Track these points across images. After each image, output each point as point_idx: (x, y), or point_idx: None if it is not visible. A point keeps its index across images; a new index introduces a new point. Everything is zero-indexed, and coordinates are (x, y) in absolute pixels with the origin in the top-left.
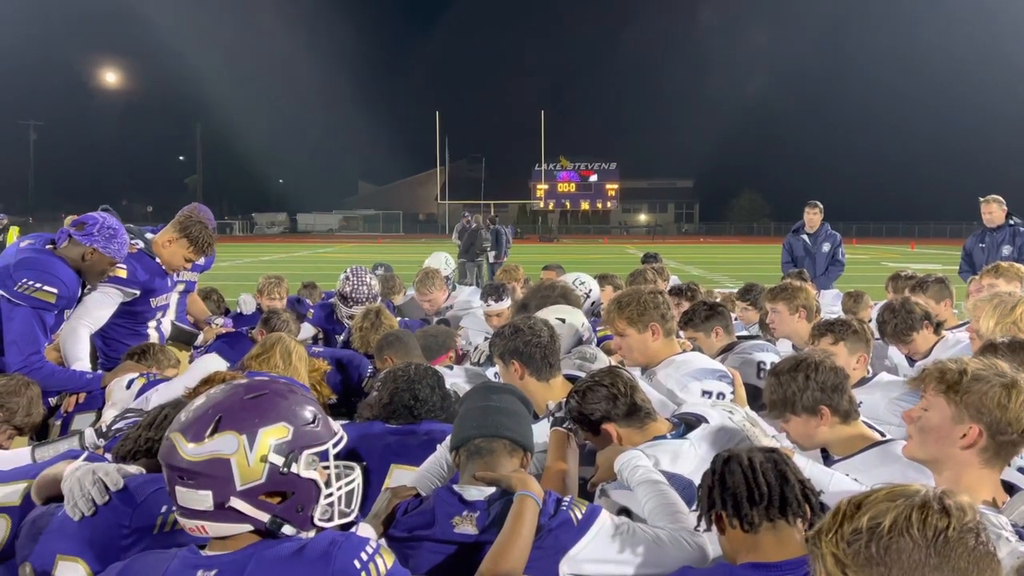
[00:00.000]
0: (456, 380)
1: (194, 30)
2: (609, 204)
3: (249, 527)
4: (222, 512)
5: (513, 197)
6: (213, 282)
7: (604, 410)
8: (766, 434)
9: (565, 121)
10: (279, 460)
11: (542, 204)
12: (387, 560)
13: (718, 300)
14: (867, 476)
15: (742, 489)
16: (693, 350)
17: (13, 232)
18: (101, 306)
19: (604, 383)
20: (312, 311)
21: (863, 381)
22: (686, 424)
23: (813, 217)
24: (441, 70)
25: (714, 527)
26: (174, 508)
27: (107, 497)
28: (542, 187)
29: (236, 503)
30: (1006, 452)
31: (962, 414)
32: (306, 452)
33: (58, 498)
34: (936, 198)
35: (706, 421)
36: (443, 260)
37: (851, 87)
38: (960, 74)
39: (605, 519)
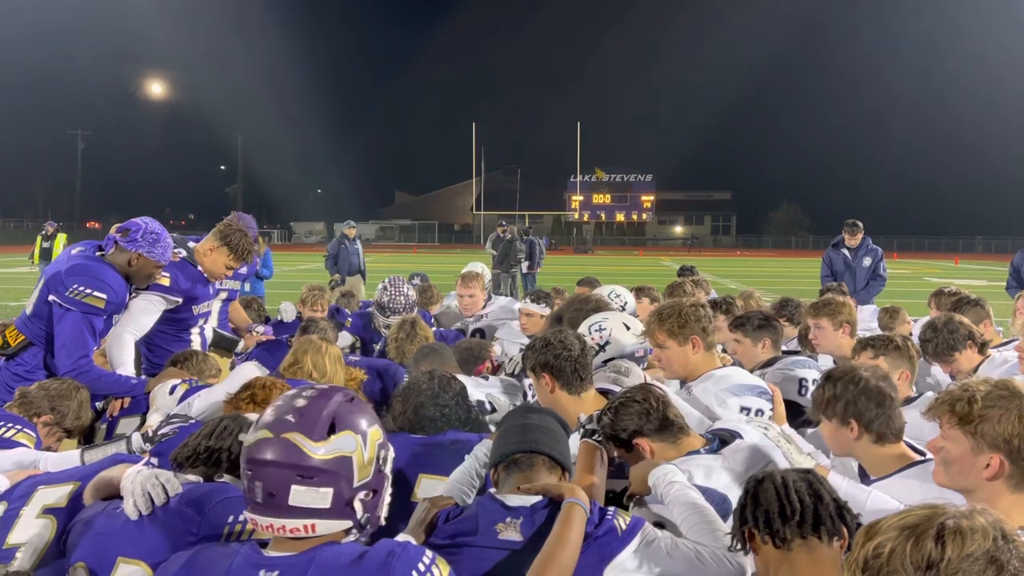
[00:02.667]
0: (491, 391)
1: (236, 43)
2: (644, 216)
3: (349, 523)
4: (337, 509)
5: (548, 208)
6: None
7: (637, 425)
8: (801, 451)
9: (601, 132)
10: (379, 458)
11: (577, 215)
12: (443, 570)
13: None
14: (907, 497)
15: (774, 505)
16: (733, 364)
17: (61, 239)
18: (145, 313)
19: (636, 399)
20: (350, 320)
21: (908, 400)
22: (720, 440)
23: (852, 239)
24: (478, 81)
25: (747, 546)
26: (247, 511)
27: (165, 500)
28: (577, 198)
29: (353, 500)
30: None
31: (980, 445)
32: (390, 452)
33: (111, 499)
34: (982, 212)
35: (740, 437)
36: (481, 267)
37: (893, 99)
38: (1006, 85)
39: (648, 530)
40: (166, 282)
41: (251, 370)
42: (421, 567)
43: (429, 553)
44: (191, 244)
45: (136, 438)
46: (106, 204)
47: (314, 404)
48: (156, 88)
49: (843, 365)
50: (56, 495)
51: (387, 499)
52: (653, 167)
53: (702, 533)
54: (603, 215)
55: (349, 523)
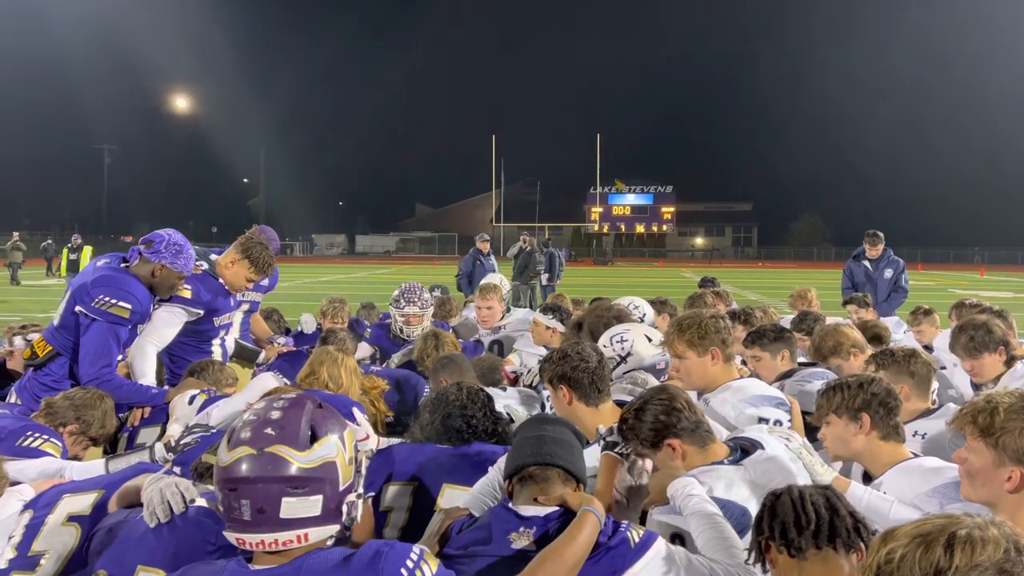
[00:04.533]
0: (509, 401)
1: (258, 58)
2: (665, 227)
3: (337, 527)
4: (326, 515)
5: (568, 220)
6: (274, 302)
7: (666, 423)
8: (823, 463)
9: (621, 144)
10: (356, 459)
11: (597, 227)
12: (432, 565)
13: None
14: (907, 488)
15: (789, 516)
16: (751, 375)
17: (87, 251)
18: (167, 325)
19: (662, 397)
20: (369, 331)
21: (926, 412)
22: (742, 449)
23: (872, 250)
24: (498, 94)
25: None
26: (228, 531)
27: (184, 508)
28: (597, 210)
29: (341, 504)
30: None
31: (1002, 457)
32: (364, 451)
33: (133, 508)
34: (1007, 222)
35: (762, 447)
36: (500, 279)
37: (917, 109)
38: None
39: (661, 545)
40: (188, 294)
41: (269, 380)
42: (410, 563)
43: (417, 550)
44: (213, 257)
45: (159, 448)
46: (131, 217)
47: (290, 414)
48: (180, 103)
49: (855, 375)
50: (81, 503)
51: (361, 500)
52: (673, 179)
53: (718, 549)
54: (623, 227)
55: (337, 527)
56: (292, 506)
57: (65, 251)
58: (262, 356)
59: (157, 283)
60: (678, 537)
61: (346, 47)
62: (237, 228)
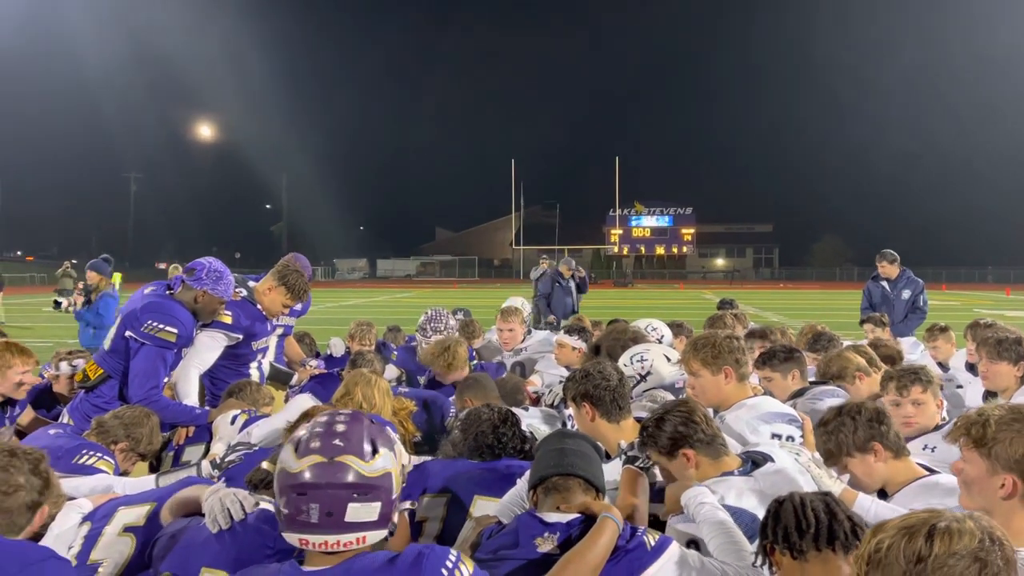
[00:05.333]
0: (532, 421)
1: (280, 86)
2: (685, 249)
3: (386, 532)
4: (382, 521)
5: (587, 242)
6: (298, 325)
7: (683, 433)
8: (831, 475)
9: (640, 165)
10: (403, 471)
11: (616, 249)
12: (468, 566)
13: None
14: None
15: (791, 521)
16: (764, 394)
17: (117, 277)
18: (209, 349)
19: (681, 410)
20: (396, 353)
21: (937, 427)
22: (753, 461)
23: (884, 268)
24: (516, 117)
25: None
26: (292, 532)
27: (243, 515)
28: (616, 232)
29: (392, 511)
30: None
31: (995, 466)
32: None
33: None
34: None
35: (772, 460)
36: (521, 302)
37: (940, 127)
38: None
39: (675, 548)
40: (228, 320)
41: (307, 401)
42: (449, 564)
43: (455, 553)
44: (251, 284)
45: (205, 465)
46: (157, 244)
47: (353, 428)
48: (204, 131)
49: (830, 408)
50: (135, 515)
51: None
52: (693, 200)
53: (728, 553)
54: (643, 248)
55: (386, 532)
56: (356, 511)
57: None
58: (295, 378)
59: (200, 308)
60: (693, 543)
61: (367, 75)
62: (260, 253)
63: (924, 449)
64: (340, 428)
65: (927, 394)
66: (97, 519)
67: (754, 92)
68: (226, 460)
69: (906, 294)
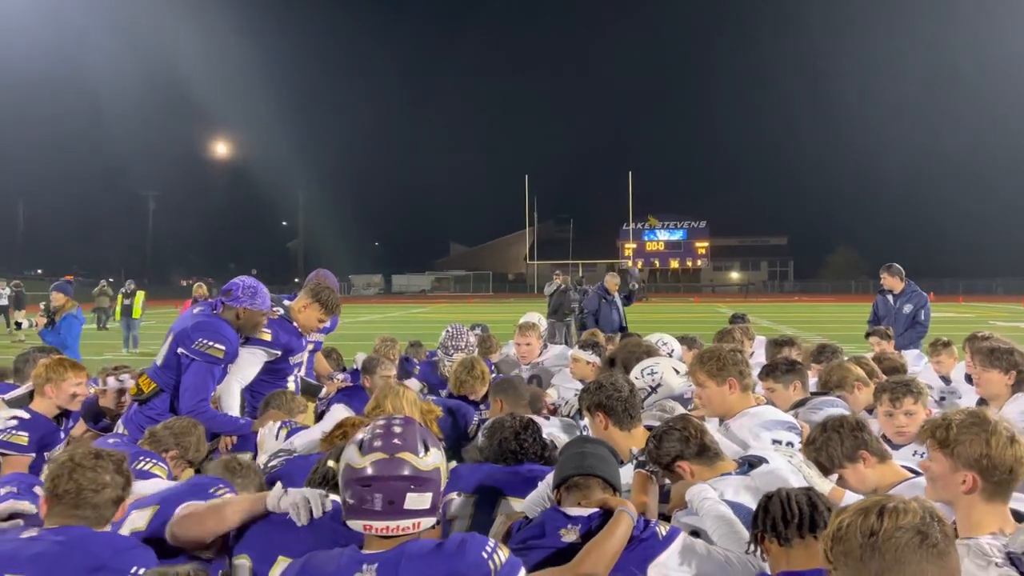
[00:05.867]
0: (552, 430)
1: (295, 105)
2: (699, 262)
3: (435, 519)
4: (432, 509)
5: (601, 256)
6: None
7: (678, 450)
8: (821, 475)
9: (654, 179)
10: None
11: (630, 263)
12: (504, 553)
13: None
14: None
15: (779, 512)
16: (767, 403)
17: (139, 296)
18: (250, 364)
19: (677, 427)
20: (418, 368)
21: None
22: (749, 463)
23: (887, 281)
24: (529, 132)
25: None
26: (357, 519)
27: (322, 512)
28: (630, 246)
29: (440, 501)
30: (1003, 489)
31: (956, 464)
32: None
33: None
34: None
35: (767, 462)
36: (537, 318)
37: (956, 137)
38: None
39: (684, 537)
40: (268, 337)
41: (342, 412)
42: (488, 549)
43: (492, 541)
44: (286, 303)
45: None
46: (175, 261)
47: (408, 430)
48: (221, 149)
49: (815, 426)
50: (139, 520)
51: None
52: (707, 214)
53: (730, 541)
54: (657, 262)
55: (435, 519)
56: (413, 500)
57: (120, 296)
58: (323, 391)
59: (243, 324)
60: (695, 534)
61: (381, 93)
62: (277, 270)
63: (914, 455)
64: (398, 430)
65: (918, 405)
66: (116, 525)
67: (768, 105)
68: (269, 466)
69: (907, 308)
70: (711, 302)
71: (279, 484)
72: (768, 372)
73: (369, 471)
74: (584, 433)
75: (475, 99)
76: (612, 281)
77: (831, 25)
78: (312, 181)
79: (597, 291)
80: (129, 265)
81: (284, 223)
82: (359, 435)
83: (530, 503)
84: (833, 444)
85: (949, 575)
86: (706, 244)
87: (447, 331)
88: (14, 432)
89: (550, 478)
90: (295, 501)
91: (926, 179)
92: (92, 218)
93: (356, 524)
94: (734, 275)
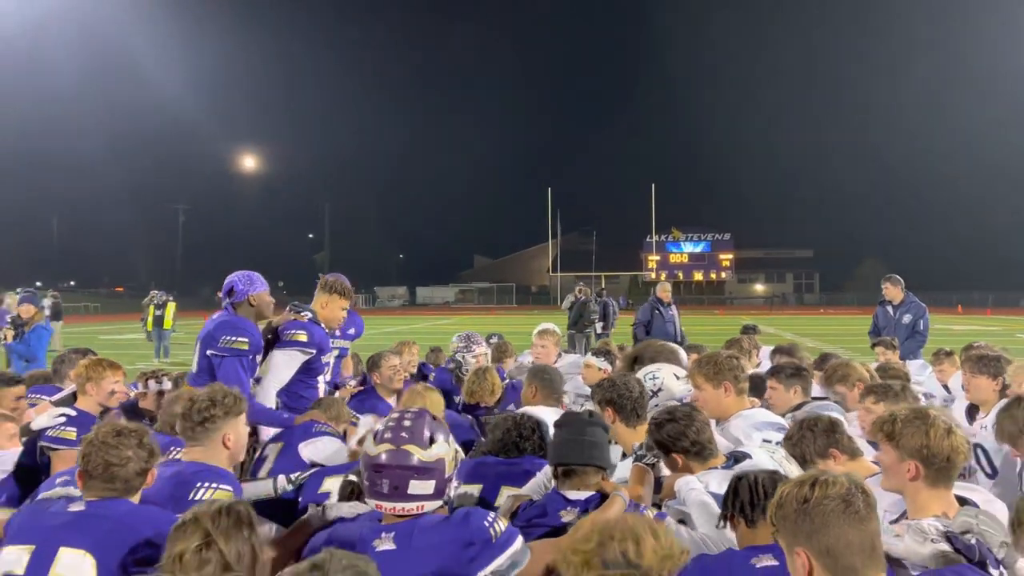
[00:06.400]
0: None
1: (321, 118)
2: (723, 275)
3: (442, 503)
4: (436, 494)
5: (624, 269)
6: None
7: (678, 445)
8: (800, 469)
9: (678, 191)
10: (456, 456)
11: (654, 275)
12: (503, 523)
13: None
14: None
15: (746, 494)
16: (761, 406)
17: (171, 308)
18: (287, 367)
19: (681, 418)
20: (434, 374)
21: None
22: (735, 459)
23: (888, 290)
24: (553, 146)
25: (730, 525)
26: (372, 499)
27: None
28: (654, 258)
29: (446, 487)
30: (943, 475)
31: (902, 454)
32: (460, 455)
33: None
34: None
35: (750, 457)
36: (553, 327)
37: (982, 150)
38: None
39: (669, 521)
40: (304, 338)
41: (370, 421)
42: (489, 519)
43: (492, 513)
44: (310, 307)
45: (281, 480)
46: (204, 273)
47: (416, 423)
48: (248, 163)
49: (793, 424)
50: None
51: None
52: (731, 226)
53: (709, 527)
54: (681, 275)
55: (441, 502)
56: (416, 486)
57: (151, 307)
58: (337, 394)
59: (259, 310)
60: (682, 521)
61: (407, 106)
62: (303, 281)
63: None
64: (407, 423)
65: (899, 406)
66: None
67: (794, 117)
68: (299, 477)
69: (907, 318)
70: (735, 314)
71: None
72: (773, 372)
73: (379, 459)
74: None
75: (500, 113)
76: (664, 290)
77: (860, 35)
78: (338, 194)
79: (651, 302)
80: (159, 277)
81: (310, 235)
82: (378, 425)
83: (532, 486)
84: (807, 441)
85: (868, 537)
86: (730, 256)
87: (460, 337)
88: (63, 428)
89: (548, 470)
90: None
91: (955, 192)
92: (123, 231)
93: (371, 502)
94: (759, 287)
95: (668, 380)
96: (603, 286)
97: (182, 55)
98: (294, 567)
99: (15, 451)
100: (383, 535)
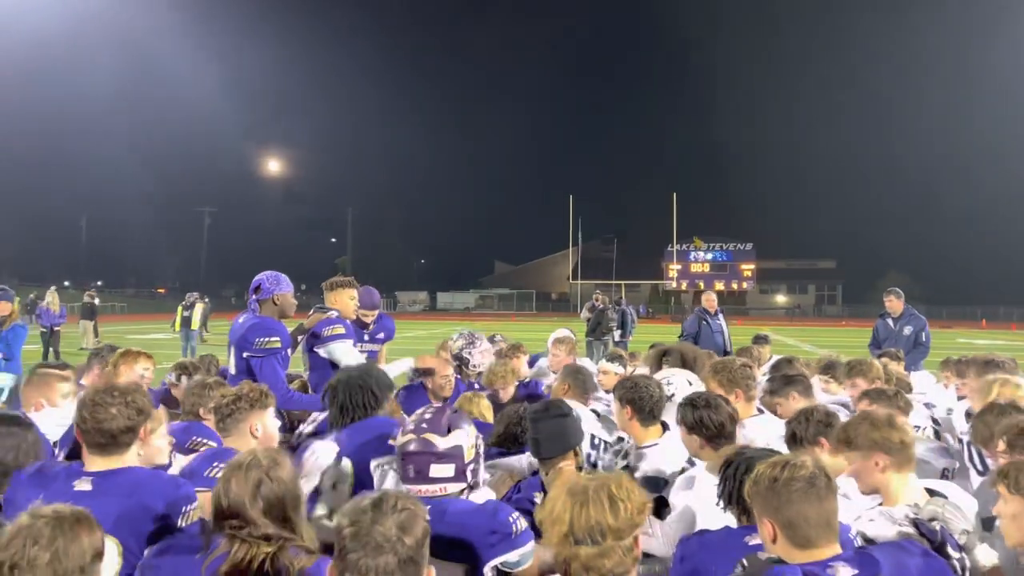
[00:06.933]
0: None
1: (344, 123)
2: (744, 285)
3: (464, 485)
4: (457, 477)
5: (645, 277)
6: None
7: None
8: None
9: (700, 200)
10: (477, 444)
11: (674, 284)
12: (523, 523)
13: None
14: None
15: (731, 480)
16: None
17: (198, 309)
18: (352, 353)
19: (717, 404)
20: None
21: None
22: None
23: (890, 303)
24: (574, 154)
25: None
26: (413, 481)
27: None
28: (674, 267)
29: (465, 471)
30: (904, 459)
31: (864, 453)
32: (480, 442)
33: None
34: None
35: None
36: (569, 335)
37: (1012, 161)
38: None
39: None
40: (342, 330)
41: (409, 362)
42: (514, 516)
43: (516, 512)
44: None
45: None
46: (227, 275)
47: (436, 416)
48: (272, 166)
49: (794, 414)
50: None
51: (483, 469)
52: (753, 235)
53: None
54: (701, 284)
55: (464, 485)
56: (437, 470)
57: (179, 308)
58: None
59: (282, 308)
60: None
61: (429, 112)
62: None
63: None
64: (428, 416)
65: (874, 407)
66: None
67: (818, 126)
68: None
69: (907, 330)
70: (756, 325)
71: None
72: (771, 391)
73: (406, 448)
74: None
75: (522, 120)
76: (710, 300)
77: (884, 47)
78: (361, 199)
79: (697, 313)
80: (185, 279)
81: (333, 240)
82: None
83: (512, 462)
84: (800, 426)
85: (824, 514)
86: (752, 266)
87: (462, 335)
88: None
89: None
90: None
91: (981, 205)
92: (149, 233)
93: (404, 485)
94: (780, 298)
95: (681, 387)
96: (623, 294)
97: (210, 60)
98: (355, 501)
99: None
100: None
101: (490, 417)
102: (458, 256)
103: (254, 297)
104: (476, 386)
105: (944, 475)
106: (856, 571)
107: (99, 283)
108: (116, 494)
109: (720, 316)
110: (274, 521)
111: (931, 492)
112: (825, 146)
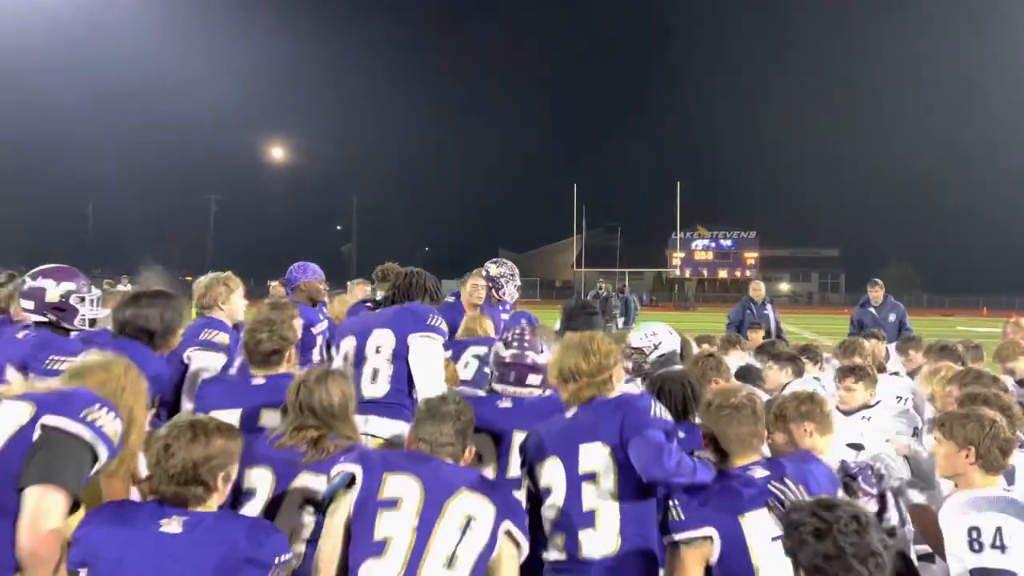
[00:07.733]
0: None
1: (349, 111)
2: (748, 273)
3: (543, 390)
4: (542, 384)
5: (649, 265)
6: None
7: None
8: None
9: (703, 188)
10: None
11: (678, 272)
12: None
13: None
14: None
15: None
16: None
17: None
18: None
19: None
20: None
21: (870, 406)
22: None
23: (875, 293)
24: (579, 142)
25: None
26: (512, 384)
27: None
28: (678, 255)
29: (545, 382)
30: (827, 423)
31: (796, 425)
32: None
33: None
34: None
35: (864, 448)
36: None
37: (1015, 150)
38: None
39: None
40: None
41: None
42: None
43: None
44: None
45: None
46: (233, 262)
47: (534, 337)
48: (278, 154)
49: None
50: None
51: None
52: (757, 224)
53: None
54: (705, 272)
55: (540, 392)
56: (531, 379)
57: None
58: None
59: (309, 294)
60: None
61: (434, 101)
62: (330, 273)
63: (862, 419)
64: (528, 337)
65: (859, 384)
66: None
67: (820, 115)
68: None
69: (892, 317)
70: None
71: None
72: (773, 354)
73: (508, 359)
74: None
75: (526, 108)
76: (757, 289)
77: (888, 33)
78: (365, 186)
79: (743, 302)
80: (191, 265)
81: (338, 227)
82: (507, 335)
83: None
84: (789, 406)
85: (745, 435)
86: (755, 255)
87: (500, 261)
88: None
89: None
90: None
91: (983, 194)
92: (156, 220)
93: (498, 387)
94: (783, 286)
95: (663, 335)
96: (626, 282)
97: (217, 48)
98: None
99: None
100: (503, 398)
101: (490, 331)
102: (462, 243)
103: (290, 287)
104: (502, 309)
105: (915, 433)
106: (768, 472)
107: (101, 270)
108: (281, 387)
109: (768, 305)
110: (323, 419)
111: (853, 447)
112: (828, 135)
